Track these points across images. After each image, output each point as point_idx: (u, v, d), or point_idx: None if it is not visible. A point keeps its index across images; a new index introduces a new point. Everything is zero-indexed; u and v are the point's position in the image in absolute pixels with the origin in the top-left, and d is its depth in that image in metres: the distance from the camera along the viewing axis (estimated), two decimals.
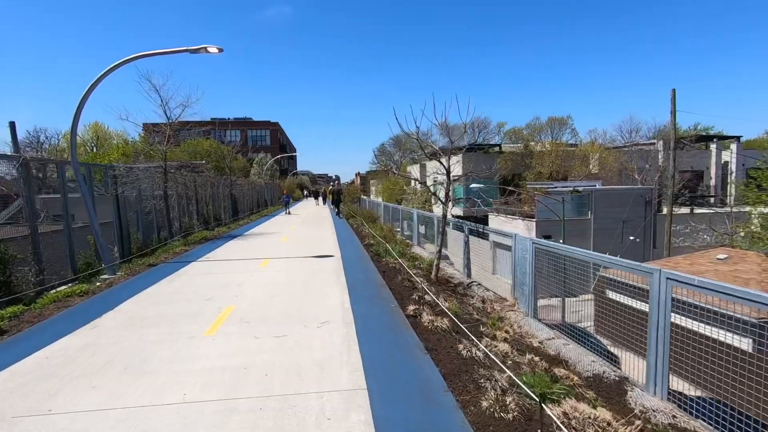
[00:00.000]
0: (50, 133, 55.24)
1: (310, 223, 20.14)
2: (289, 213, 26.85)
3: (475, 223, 9.67)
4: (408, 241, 13.89)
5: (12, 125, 19.47)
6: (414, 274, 7.98)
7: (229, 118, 70.65)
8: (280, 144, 69.57)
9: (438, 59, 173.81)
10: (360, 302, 6.25)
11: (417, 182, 9.41)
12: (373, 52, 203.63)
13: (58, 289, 8.08)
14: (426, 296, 6.63)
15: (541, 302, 6.18)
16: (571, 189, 22.87)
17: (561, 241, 17.54)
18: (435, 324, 5.39)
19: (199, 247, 12.25)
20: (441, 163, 8.63)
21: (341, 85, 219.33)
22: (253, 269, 8.81)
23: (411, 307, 5.98)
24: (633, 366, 4.37)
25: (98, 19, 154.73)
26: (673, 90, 19.15)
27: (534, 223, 21.67)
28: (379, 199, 57.64)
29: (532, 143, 34.05)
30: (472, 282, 8.17)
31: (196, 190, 18.31)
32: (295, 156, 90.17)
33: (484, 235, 8.90)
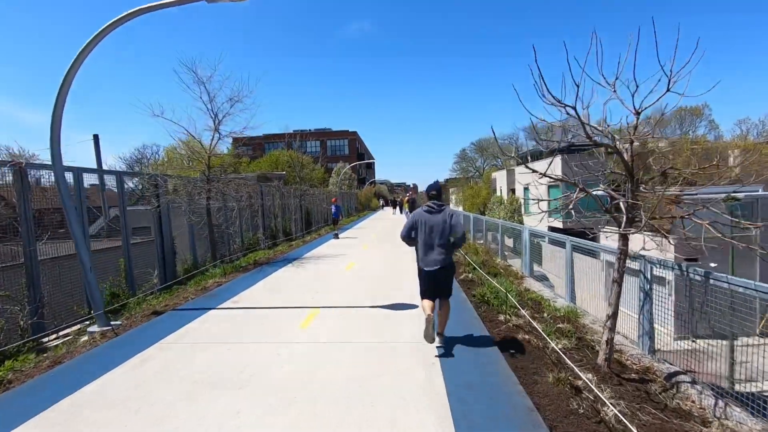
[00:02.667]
0: (155, 149, 60.05)
1: (385, 240, 16.94)
2: (338, 237, 17.78)
3: (566, 238, 6.08)
4: (502, 260, 10.46)
5: (95, 138, 19.68)
6: (566, 353, 4.41)
7: (309, 129, 72.25)
8: (357, 153, 69.07)
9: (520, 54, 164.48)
10: None
11: (541, 176, 4.52)
12: (456, 52, 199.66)
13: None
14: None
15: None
16: (726, 196, 17.34)
17: (728, 268, 12.69)
18: None
19: (237, 279, 9.37)
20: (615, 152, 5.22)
21: (421, 91, 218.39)
22: (288, 335, 5.38)
23: None
24: None
25: (191, 38, 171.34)
26: None
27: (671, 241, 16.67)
28: (459, 209, 53.72)
29: (653, 139, 28.05)
30: (677, 374, 4.50)
31: (263, 201, 16.63)
32: (373, 165, 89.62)
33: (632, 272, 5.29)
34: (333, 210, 18.58)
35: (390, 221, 31.25)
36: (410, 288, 7.68)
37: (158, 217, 9.59)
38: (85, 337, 5.48)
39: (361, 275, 9.36)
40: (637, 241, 6.72)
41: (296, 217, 20.79)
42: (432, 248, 4.84)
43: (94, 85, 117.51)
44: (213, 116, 9.79)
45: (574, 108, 4.17)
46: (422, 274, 4.92)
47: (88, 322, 6.78)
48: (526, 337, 5.04)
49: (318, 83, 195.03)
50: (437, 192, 5.15)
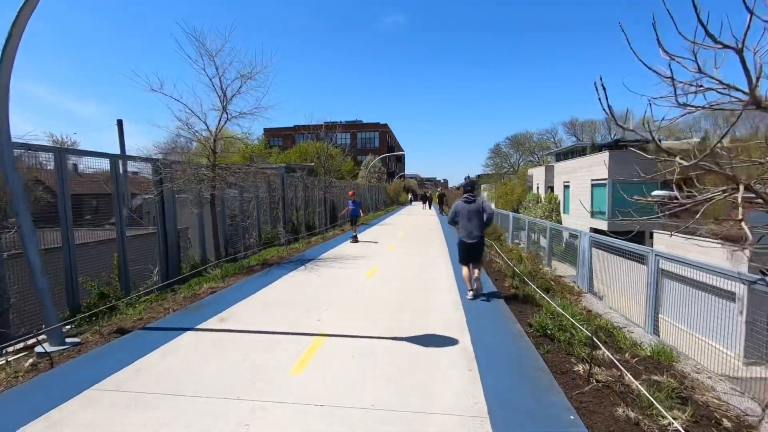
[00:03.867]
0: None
1: (413, 239, 15.21)
2: (357, 240, 14.65)
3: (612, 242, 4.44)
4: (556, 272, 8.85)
5: (119, 123, 19.19)
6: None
7: (340, 122, 71.44)
8: (388, 146, 67.68)
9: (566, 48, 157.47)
10: None
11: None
12: (487, 46, 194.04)
13: None
14: None
15: None
16: None
17: None
18: None
19: (237, 284, 7.84)
20: None
21: (454, 83, 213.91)
22: (271, 387, 3.75)
23: None
24: None
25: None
26: None
27: (744, 251, 14.35)
28: (492, 205, 51.45)
29: (715, 136, 25.12)
30: None
31: (284, 192, 15.56)
32: (403, 158, 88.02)
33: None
34: (350, 206, 14.80)
35: (420, 216, 29.62)
36: (446, 311, 6.11)
37: (161, 207, 8.57)
38: (32, 360, 4.33)
39: (383, 286, 7.57)
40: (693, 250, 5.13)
41: (320, 210, 19.68)
42: (471, 227, 6.71)
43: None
44: (222, 94, 8.59)
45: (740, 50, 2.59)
46: (463, 245, 6.79)
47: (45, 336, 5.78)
48: (625, 412, 3.38)
49: (351, 76, 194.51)
50: (471, 188, 7.27)
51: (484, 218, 6.62)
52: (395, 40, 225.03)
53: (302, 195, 17.78)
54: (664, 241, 20.04)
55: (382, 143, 67.91)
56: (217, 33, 9.09)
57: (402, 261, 10.44)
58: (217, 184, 8.87)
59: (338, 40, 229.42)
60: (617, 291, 6.76)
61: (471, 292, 6.74)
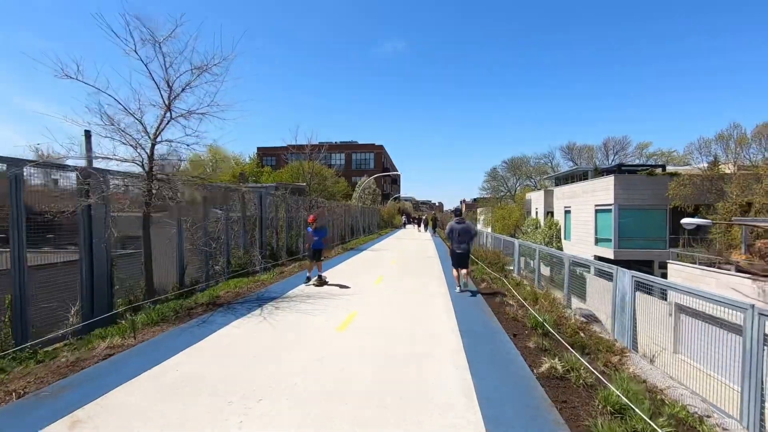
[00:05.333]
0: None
1: (407, 270, 12.87)
2: (322, 283, 10.36)
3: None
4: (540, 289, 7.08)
5: (87, 133, 17.44)
6: None
7: (335, 142, 70.23)
8: (383, 167, 66.51)
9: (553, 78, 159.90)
10: None
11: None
12: (484, 78, 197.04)
13: None
14: None
15: None
16: None
17: None
18: None
19: (154, 339, 5.75)
20: None
21: (451, 110, 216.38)
22: None
23: None
24: None
25: None
26: None
27: None
28: (488, 230, 49.79)
29: (724, 163, 23.86)
30: None
31: (262, 212, 13.80)
32: (399, 180, 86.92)
33: None
34: (312, 235, 10.46)
35: (415, 241, 27.71)
36: (452, 400, 4.00)
37: (84, 226, 6.77)
38: None
39: (360, 348, 5.36)
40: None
41: (304, 232, 17.88)
42: (461, 241, 9.40)
43: None
44: (168, 88, 6.75)
45: None
46: (455, 254, 9.56)
47: None
48: None
49: (350, 98, 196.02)
50: (460, 213, 10.22)
51: (471, 234, 9.59)
52: (394, 64, 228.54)
53: (284, 216, 16.02)
54: (679, 273, 18.42)
55: (377, 164, 66.76)
56: (167, 17, 7.48)
57: (391, 301, 8.32)
58: (152, 201, 7.04)
59: (338, 59, 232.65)
60: (686, 357, 4.99)
61: (458, 288, 9.42)
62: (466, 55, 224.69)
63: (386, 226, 47.81)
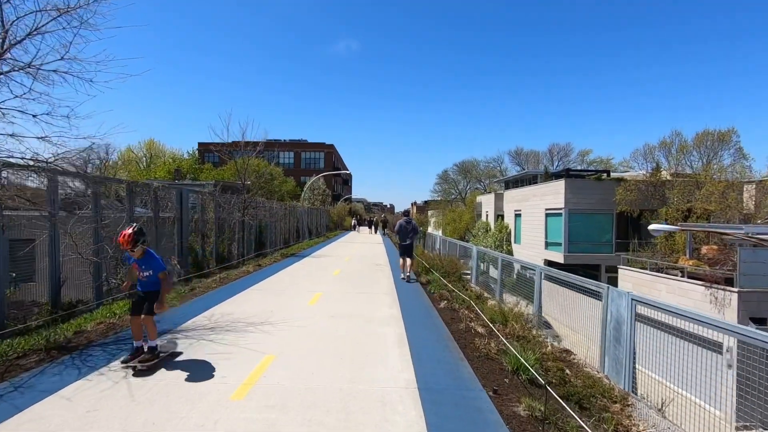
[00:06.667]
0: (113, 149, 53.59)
1: (351, 287, 10.33)
2: (151, 360, 4.65)
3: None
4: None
5: None
6: None
7: (284, 140, 66.95)
8: (334, 167, 64.45)
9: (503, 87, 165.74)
10: None
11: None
12: (436, 79, 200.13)
13: None
14: None
15: None
16: None
17: None
18: None
19: None
20: None
21: (403, 112, 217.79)
22: None
23: None
24: None
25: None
26: None
27: (734, 294, 12.44)
28: (439, 232, 49.30)
29: (665, 169, 24.56)
30: None
31: (181, 213, 11.58)
32: (350, 181, 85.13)
33: None
34: (137, 269, 4.96)
35: (365, 245, 26.08)
36: None
37: None
38: None
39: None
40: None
41: (240, 236, 15.69)
42: (406, 238, 11.58)
43: None
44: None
45: None
46: (402, 246, 11.82)
47: None
48: None
49: (300, 96, 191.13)
50: (408, 213, 13.16)
51: (416, 231, 12.24)
52: (347, 64, 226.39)
53: (213, 217, 13.81)
54: (629, 278, 18.34)
55: (328, 164, 64.63)
56: None
57: (326, 334, 6.06)
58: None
59: (290, 59, 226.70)
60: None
61: (403, 276, 11.50)
62: (420, 57, 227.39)
63: (336, 228, 45.91)
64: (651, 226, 13.05)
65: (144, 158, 58.36)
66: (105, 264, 8.53)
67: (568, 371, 5.01)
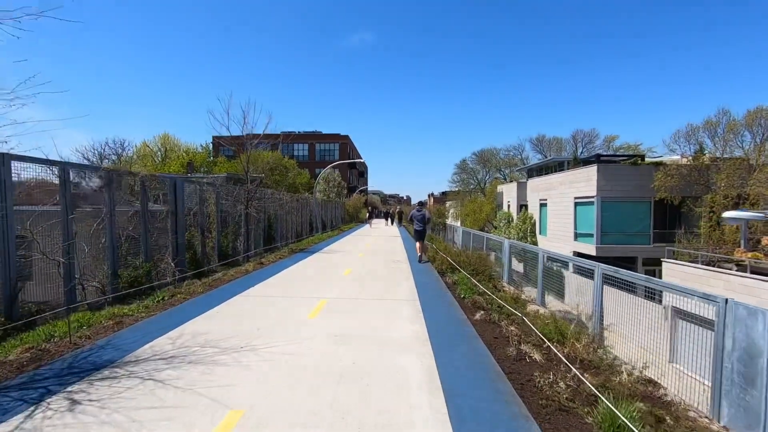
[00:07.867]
0: (128, 145, 53.55)
1: (363, 293, 8.53)
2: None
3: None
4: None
5: None
6: None
7: (298, 132, 65.74)
8: (349, 158, 63.06)
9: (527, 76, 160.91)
10: None
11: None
12: (454, 70, 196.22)
13: None
14: None
15: None
16: None
17: None
18: None
19: None
20: None
21: (420, 103, 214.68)
22: None
23: None
24: None
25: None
26: None
27: None
28: (458, 224, 47.40)
29: (710, 152, 22.30)
30: None
31: (176, 207, 10.38)
32: (366, 173, 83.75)
33: None
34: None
35: (381, 239, 24.64)
36: None
37: None
38: None
39: None
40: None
41: (246, 230, 14.49)
42: (420, 224, 13.61)
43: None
44: None
45: None
46: (416, 231, 13.83)
47: None
48: None
49: (317, 89, 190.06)
50: (421, 204, 14.92)
51: (427, 219, 13.98)
52: (362, 57, 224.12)
53: (214, 210, 12.62)
54: (676, 273, 16.45)
55: (343, 155, 63.28)
56: None
57: (322, 371, 4.40)
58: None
59: (305, 51, 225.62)
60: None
61: (419, 257, 13.68)
62: (436, 48, 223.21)
63: (351, 220, 44.70)
64: (726, 213, 11.23)
65: (159, 152, 58.17)
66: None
67: (669, 419, 3.53)
